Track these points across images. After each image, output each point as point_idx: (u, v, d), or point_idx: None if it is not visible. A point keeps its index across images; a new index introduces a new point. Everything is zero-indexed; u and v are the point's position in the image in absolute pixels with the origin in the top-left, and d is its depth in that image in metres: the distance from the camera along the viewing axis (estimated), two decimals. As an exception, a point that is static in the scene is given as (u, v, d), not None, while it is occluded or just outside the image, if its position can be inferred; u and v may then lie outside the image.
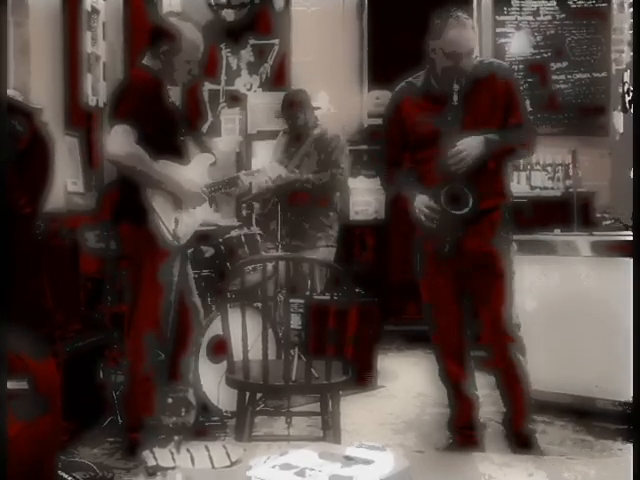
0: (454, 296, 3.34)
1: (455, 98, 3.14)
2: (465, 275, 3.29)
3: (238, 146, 6.61)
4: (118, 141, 3.18)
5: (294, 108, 5.00)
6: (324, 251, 4.94)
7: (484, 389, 3.63)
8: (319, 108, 5.17)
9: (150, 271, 3.30)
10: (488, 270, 3.25)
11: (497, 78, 3.26)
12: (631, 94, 5.57)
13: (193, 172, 3.46)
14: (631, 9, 6.06)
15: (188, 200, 3.38)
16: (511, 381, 3.35)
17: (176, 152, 3.41)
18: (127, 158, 3.20)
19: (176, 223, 3.33)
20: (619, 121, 6.31)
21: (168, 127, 3.38)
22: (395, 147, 3.45)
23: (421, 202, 3.21)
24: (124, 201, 3.39)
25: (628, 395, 3.58)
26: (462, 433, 3.42)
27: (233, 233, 4.31)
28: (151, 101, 3.28)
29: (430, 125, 3.21)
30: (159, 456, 2.22)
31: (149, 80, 3.34)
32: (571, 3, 6.58)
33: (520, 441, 3.32)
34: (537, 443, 3.35)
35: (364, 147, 6.51)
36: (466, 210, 3.10)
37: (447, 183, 3.13)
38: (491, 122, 3.21)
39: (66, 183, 4.93)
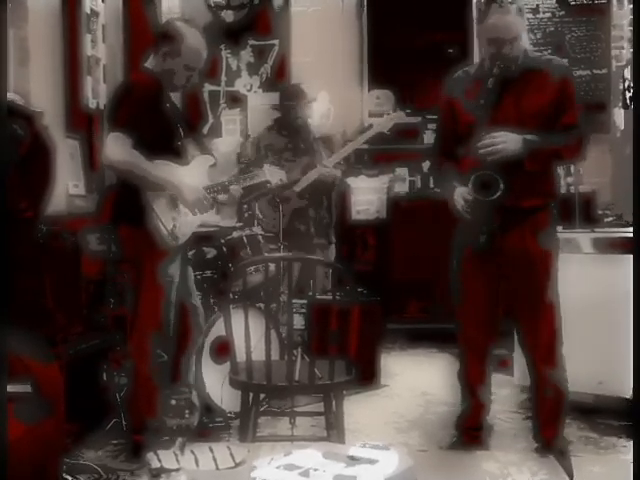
0: (488, 297, 3.24)
1: (490, 82, 3.04)
2: (505, 276, 3.20)
3: (239, 147, 6.62)
4: (114, 148, 3.19)
5: (290, 102, 5.04)
6: (323, 251, 4.94)
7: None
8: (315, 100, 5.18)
9: (150, 272, 3.30)
10: (531, 273, 3.14)
11: (552, 73, 3.13)
12: (632, 91, 5.57)
13: (192, 173, 3.45)
14: (631, 5, 6.05)
15: (187, 204, 3.37)
16: (544, 389, 3.26)
17: (175, 153, 3.40)
18: (123, 164, 3.22)
19: (174, 223, 3.33)
20: (620, 118, 6.30)
21: (167, 129, 3.38)
22: (445, 136, 3.35)
23: (458, 193, 3.12)
24: (122, 203, 3.40)
25: (631, 392, 3.58)
26: (469, 433, 3.39)
27: (235, 234, 4.32)
28: (150, 106, 3.27)
29: (471, 112, 3.12)
30: (163, 458, 2.22)
31: (148, 84, 3.34)
32: (570, 0, 6.57)
33: (548, 451, 3.18)
34: (569, 457, 3.22)
35: (365, 146, 6.51)
36: (495, 197, 2.98)
37: (477, 170, 3.03)
38: (535, 115, 3.09)
39: (67, 186, 4.93)
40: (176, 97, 3.73)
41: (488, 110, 3.06)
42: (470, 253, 3.20)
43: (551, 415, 3.29)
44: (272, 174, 3.78)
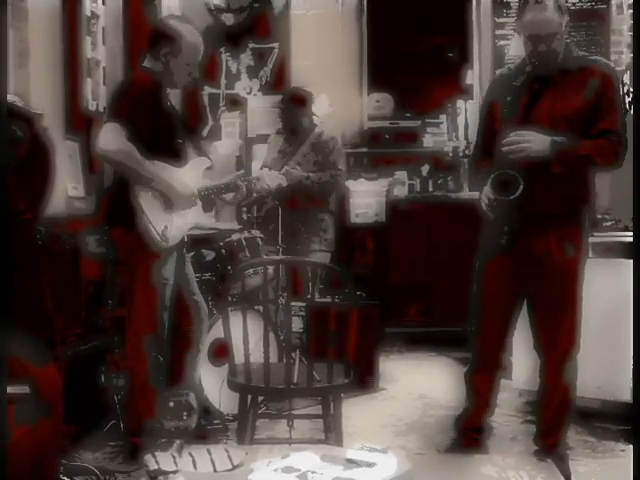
0: (509, 301, 3.20)
1: (519, 80, 3.00)
2: (527, 280, 3.15)
3: (238, 149, 6.62)
4: (108, 137, 3.19)
5: (294, 105, 5.02)
6: (319, 256, 4.94)
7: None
8: (315, 115, 5.17)
9: (142, 274, 3.30)
10: (555, 280, 3.09)
11: (594, 74, 3.04)
12: (631, 95, 5.57)
13: (187, 175, 3.45)
14: (630, 10, 6.06)
15: (178, 201, 3.38)
16: (555, 396, 3.25)
17: (173, 155, 3.40)
18: (116, 154, 3.20)
19: (165, 225, 3.32)
20: (619, 122, 6.30)
21: (165, 129, 3.38)
22: (485, 135, 3.27)
23: (484, 192, 3.06)
24: (115, 205, 3.40)
25: (630, 396, 3.58)
26: (467, 435, 3.38)
27: (234, 237, 4.32)
28: (149, 103, 3.28)
29: (504, 110, 3.06)
30: (161, 460, 2.22)
31: (149, 82, 3.34)
32: (570, 5, 6.58)
33: (547, 455, 3.13)
34: (567, 463, 3.19)
35: (364, 150, 6.52)
36: (514, 196, 2.91)
37: (499, 168, 2.97)
38: (571, 117, 3.01)
39: (67, 187, 4.93)
40: (176, 99, 3.73)
41: (518, 109, 3.00)
42: (493, 255, 3.15)
43: (555, 421, 3.28)
44: (271, 179, 3.78)
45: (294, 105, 5.03)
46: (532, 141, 2.94)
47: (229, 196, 3.64)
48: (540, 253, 3.08)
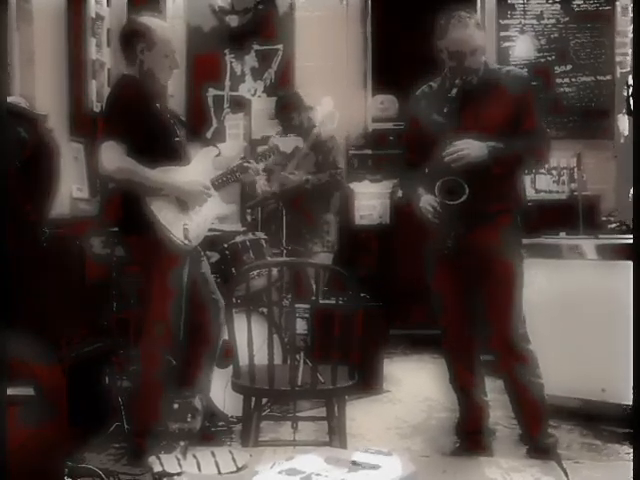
0: (462, 299, 3.33)
1: (454, 91, 3.16)
2: (473, 278, 3.27)
3: (242, 151, 6.62)
4: (108, 157, 3.19)
5: (287, 110, 5.04)
6: (321, 257, 4.94)
7: (492, 393, 3.62)
8: (312, 108, 5.17)
9: (160, 278, 3.28)
10: (494, 274, 3.22)
11: (511, 83, 3.25)
12: (632, 98, 5.57)
13: (196, 170, 3.45)
14: (635, 12, 6.05)
15: (191, 200, 3.38)
16: (517, 388, 3.33)
17: (174, 154, 3.39)
18: (118, 172, 3.22)
19: (185, 226, 3.31)
20: (624, 124, 6.30)
21: (161, 131, 3.36)
22: (412, 149, 3.46)
23: (425, 200, 3.22)
24: (129, 211, 3.36)
25: (632, 399, 3.57)
26: (470, 438, 3.41)
27: (238, 238, 4.31)
28: (139, 112, 3.26)
29: (435, 123, 3.22)
30: (165, 462, 2.22)
31: (134, 90, 3.32)
32: (575, 6, 6.57)
33: (536, 449, 3.29)
34: (556, 453, 3.30)
35: (368, 152, 6.51)
36: (460, 201, 3.08)
37: (443, 176, 3.12)
38: (496, 124, 3.18)
39: (71, 189, 4.94)
40: (178, 101, 3.72)
41: (452, 119, 3.16)
42: (440, 258, 3.27)
43: (532, 414, 3.33)
44: (285, 143, 3.79)
45: (285, 111, 5.06)
46: (470, 148, 3.10)
47: (246, 177, 3.65)
48: (479, 248, 3.19)
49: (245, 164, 3.62)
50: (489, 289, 3.26)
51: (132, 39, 3.37)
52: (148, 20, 3.42)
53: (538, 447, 3.29)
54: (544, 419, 3.39)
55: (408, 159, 3.51)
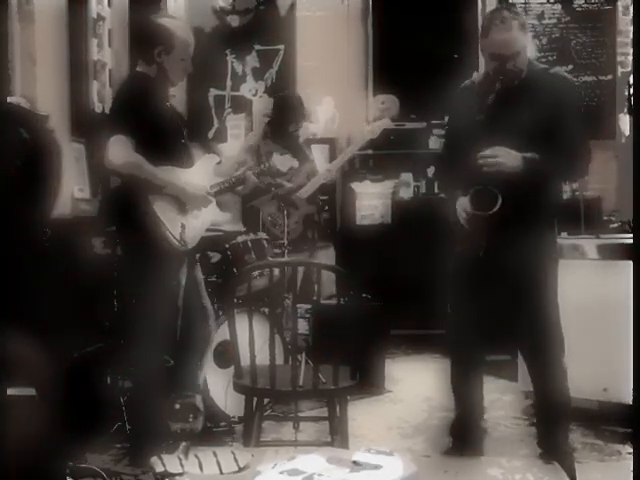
0: (482, 308, 3.26)
1: (492, 98, 3.08)
2: (499, 288, 3.21)
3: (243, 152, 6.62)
4: (116, 151, 3.18)
5: (286, 114, 5.06)
6: (322, 252, 4.95)
7: (493, 393, 3.62)
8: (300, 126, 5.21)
9: (157, 277, 3.29)
10: (528, 286, 3.17)
11: (554, 88, 3.15)
12: (632, 98, 5.57)
13: (197, 174, 3.46)
14: (636, 11, 6.05)
15: (192, 203, 3.38)
16: (545, 394, 3.30)
17: (179, 155, 3.40)
18: (125, 167, 3.21)
19: (182, 227, 3.32)
20: (625, 124, 6.30)
21: (168, 132, 3.37)
22: (450, 148, 3.39)
23: (460, 204, 3.16)
24: (127, 210, 3.35)
25: (632, 398, 3.57)
26: (464, 439, 3.41)
27: (239, 239, 4.31)
28: (149, 109, 3.26)
29: (473, 122, 3.15)
30: (167, 462, 2.22)
31: (146, 88, 3.32)
32: (576, 6, 6.57)
33: (552, 454, 3.21)
34: (573, 463, 3.22)
35: (370, 151, 6.51)
36: (492, 211, 3.02)
37: (476, 184, 3.06)
38: (533, 130, 3.08)
39: (72, 189, 4.94)
40: (179, 101, 3.72)
41: (489, 121, 3.09)
42: (466, 262, 3.24)
43: (554, 423, 3.29)
44: (282, 163, 3.79)
45: (281, 111, 5.08)
46: (506, 157, 3.03)
47: (240, 188, 3.67)
48: (515, 260, 3.13)
49: (243, 176, 3.62)
50: (522, 299, 3.20)
51: (151, 40, 3.34)
52: (169, 22, 3.38)
53: (556, 457, 3.20)
54: (567, 429, 3.35)
55: (447, 156, 3.43)
